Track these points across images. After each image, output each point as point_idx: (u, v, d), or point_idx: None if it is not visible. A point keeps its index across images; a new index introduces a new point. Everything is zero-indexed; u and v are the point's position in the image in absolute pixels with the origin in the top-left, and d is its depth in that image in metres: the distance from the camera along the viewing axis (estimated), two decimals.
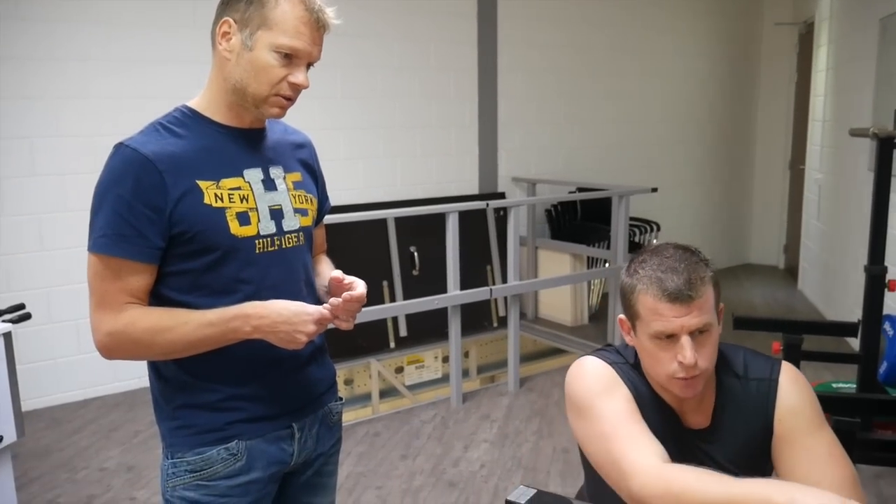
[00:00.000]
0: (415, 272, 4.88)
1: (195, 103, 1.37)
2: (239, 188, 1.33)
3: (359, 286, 1.39)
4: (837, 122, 5.33)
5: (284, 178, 1.42)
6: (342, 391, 4.54)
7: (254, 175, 1.37)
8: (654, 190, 4.73)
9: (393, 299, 4.76)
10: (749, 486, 1.08)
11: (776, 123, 7.09)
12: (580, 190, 5.34)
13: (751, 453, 1.33)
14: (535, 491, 1.26)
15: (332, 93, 4.71)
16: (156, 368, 1.38)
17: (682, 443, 1.32)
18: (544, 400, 3.97)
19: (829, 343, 4.43)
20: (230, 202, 1.31)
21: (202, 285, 1.32)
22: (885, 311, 3.37)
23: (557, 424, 3.64)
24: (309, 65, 1.33)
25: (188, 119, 1.34)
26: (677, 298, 1.25)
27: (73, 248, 3.76)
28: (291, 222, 1.41)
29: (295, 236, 1.41)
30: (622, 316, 1.37)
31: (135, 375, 4.05)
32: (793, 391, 1.33)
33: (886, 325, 3.43)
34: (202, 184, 1.29)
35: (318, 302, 1.45)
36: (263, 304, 1.29)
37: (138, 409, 3.84)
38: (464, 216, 3.85)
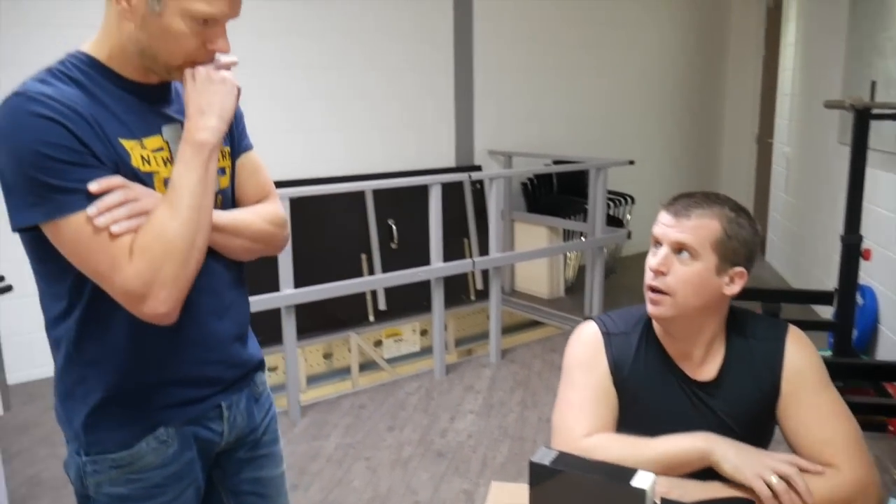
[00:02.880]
0: (393, 245, 4.87)
1: (93, 50, 1.17)
2: (161, 149, 1.20)
3: None
4: (806, 96, 5.43)
5: None
6: (321, 365, 4.54)
7: (171, 133, 1.22)
8: (632, 163, 4.77)
9: (372, 272, 4.74)
10: (674, 441, 1.28)
11: (744, 97, 7.18)
12: (556, 163, 5.35)
13: (754, 411, 1.37)
14: (557, 452, 1.28)
15: (309, 62, 4.64)
16: (67, 353, 1.21)
17: (685, 392, 1.39)
18: (526, 371, 4.01)
19: (796, 311, 4.55)
20: (156, 166, 1.18)
21: None
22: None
23: (541, 395, 3.69)
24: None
25: (90, 69, 1.16)
26: (672, 208, 1.34)
27: None
28: None
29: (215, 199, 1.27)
30: None
31: None
32: (799, 353, 1.37)
33: (857, 295, 3.53)
34: (126, 142, 1.15)
35: (240, 275, 1.36)
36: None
37: None
38: (441, 189, 3.83)
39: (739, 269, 1.34)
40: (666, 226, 1.33)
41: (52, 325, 1.22)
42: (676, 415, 1.37)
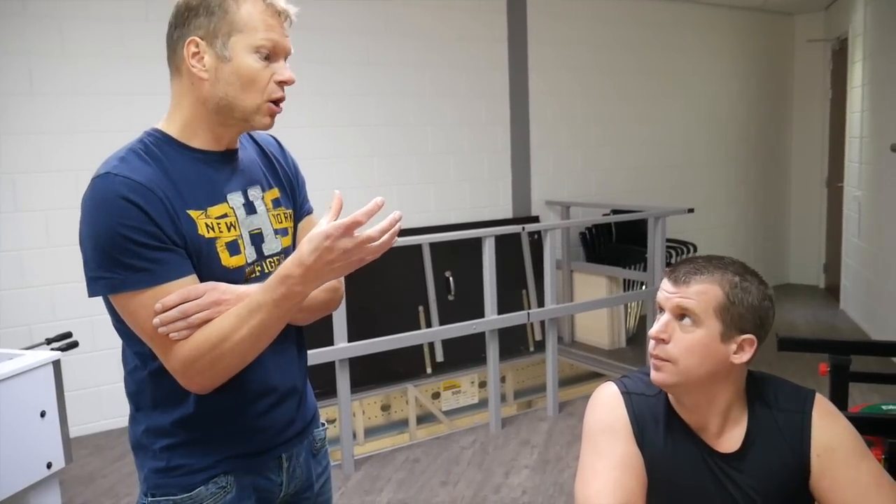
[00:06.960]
0: (450, 297, 4.88)
1: (166, 127, 1.27)
2: (225, 215, 1.27)
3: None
4: (876, 139, 5.26)
5: (263, 197, 1.35)
6: (379, 417, 4.54)
7: (236, 200, 1.30)
8: (691, 210, 4.69)
9: (429, 324, 4.76)
10: None
11: (811, 141, 7.01)
12: (614, 212, 5.31)
13: (782, 487, 1.30)
14: None
15: (367, 120, 4.77)
16: (138, 404, 1.30)
17: (708, 464, 1.32)
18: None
19: (874, 363, 4.32)
20: (219, 231, 1.25)
21: None
22: None
23: None
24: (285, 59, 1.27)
25: (163, 145, 1.25)
26: (674, 275, 1.32)
27: None
28: (272, 245, 1.34)
29: (277, 259, 1.34)
30: None
31: None
32: (827, 427, 1.30)
33: None
34: (192, 213, 1.22)
35: (300, 334, 1.44)
36: (291, 259, 1.17)
37: None
38: (498, 240, 3.85)
39: (748, 336, 1.28)
40: (667, 292, 1.31)
41: (128, 377, 1.32)
42: (700, 489, 1.31)
